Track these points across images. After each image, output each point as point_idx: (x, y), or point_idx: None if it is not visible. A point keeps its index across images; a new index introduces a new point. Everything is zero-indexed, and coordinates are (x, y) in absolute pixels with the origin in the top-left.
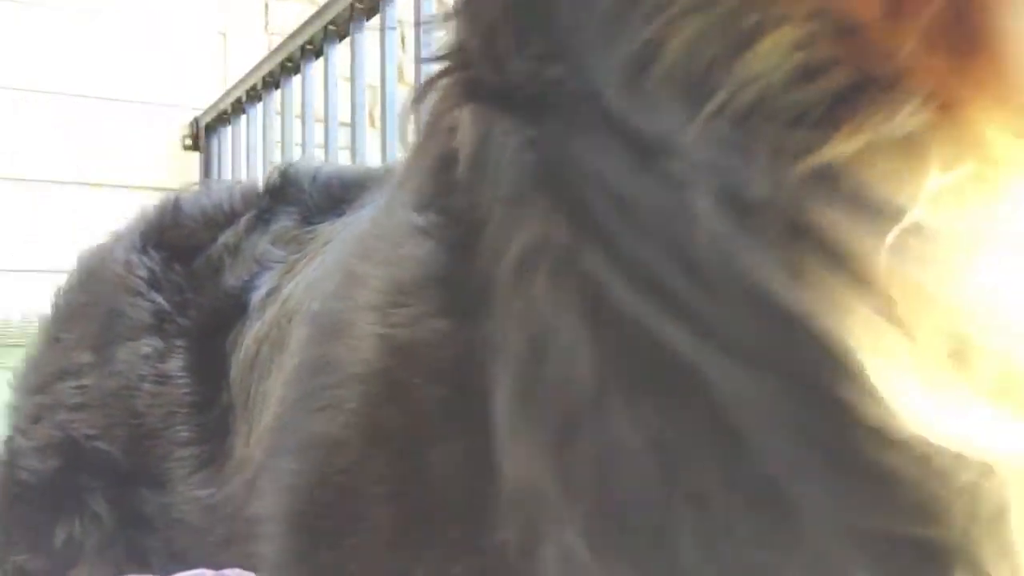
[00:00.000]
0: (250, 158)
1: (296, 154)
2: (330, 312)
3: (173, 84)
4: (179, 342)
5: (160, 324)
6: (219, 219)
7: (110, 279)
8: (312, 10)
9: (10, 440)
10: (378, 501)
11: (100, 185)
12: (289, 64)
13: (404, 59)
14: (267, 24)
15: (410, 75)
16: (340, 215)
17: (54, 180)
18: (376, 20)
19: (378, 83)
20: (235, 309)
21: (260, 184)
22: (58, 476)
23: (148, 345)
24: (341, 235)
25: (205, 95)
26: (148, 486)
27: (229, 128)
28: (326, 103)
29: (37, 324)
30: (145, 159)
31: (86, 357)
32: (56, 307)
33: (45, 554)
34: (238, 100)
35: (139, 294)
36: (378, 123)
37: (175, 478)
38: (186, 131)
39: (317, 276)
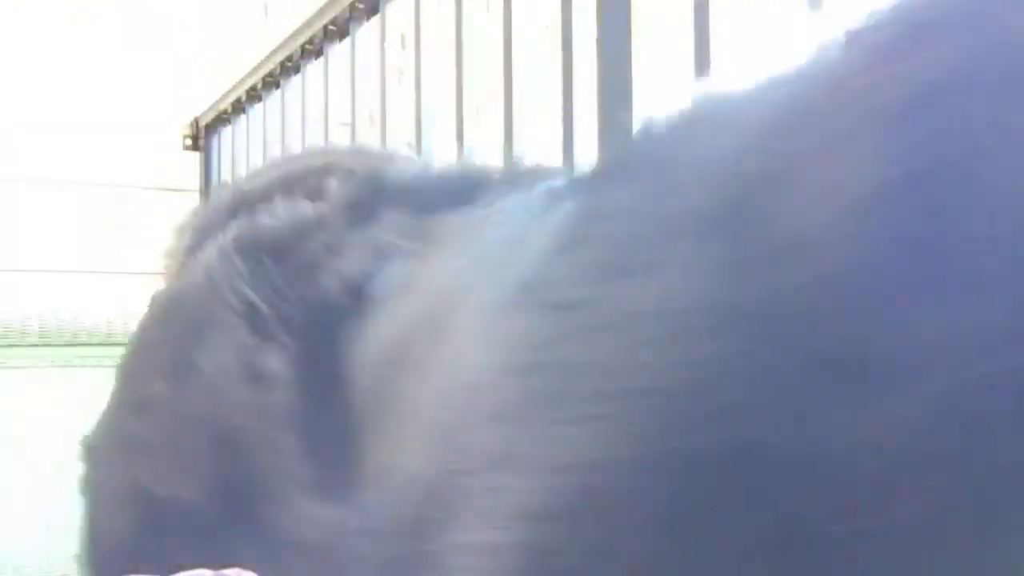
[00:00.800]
0: (250, 158)
1: None
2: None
3: (173, 84)
4: (280, 335)
5: (256, 319)
6: (306, 226)
7: (191, 294)
8: (312, 10)
9: (89, 488)
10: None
11: (100, 185)
12: (289, 64)
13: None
14: (267, 24)
15: (410, 75)
16: (468, 206)
17: (54, 180)
18: (376, 20)
19: (378, 83)
20: (350, 300)
21: (342, 191)
22: (133, 539)
23: (242, 340)
24: (501, 220)
25: (205, 95)
26: (240, 532)
27: (229, 128)
28: (326, 103)
29: (37, 324)
30: (145, 159)
31: (161, 386)
32: (126, 354)
33: None
34: (238, 100)
35: (226, 292)
36: (378, 123)
37: (283, 497)
38: (186, 131)
39: (486, 265)
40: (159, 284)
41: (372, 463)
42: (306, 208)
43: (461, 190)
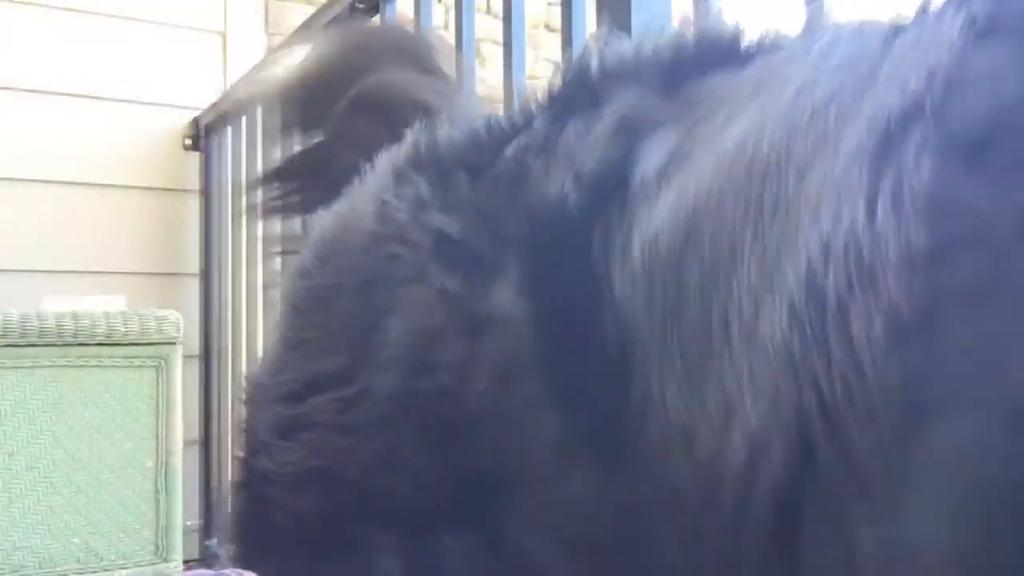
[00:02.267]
0: (250, 158)
1: None
2: None
3: (173, 84)
4: (505, 261)
5: (454, 251)
6: (492, 138)
7: (360, 233)
8: (312, 10)
9: (248, 462)
10: None
11: (100, 185)
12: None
13: None
14: (267, 24)
15: None
16: (730, 68)
17: (54, 180)
18: (376, 20)
19: None
20: (595, 198)
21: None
22: (319, 521)
23: (440, 282)
24: (812, 66)
25: (205, 95)
26: (452, 525)
27: (229, 128)
28: None
29: (37, 324)
30: (145, 159)
31: (342, 359)
32: (288, 301)
33: None
34: (238, 100)
35: (408, 225)
36: None
37: (527, 480)
38: (186, 131)
39: (819, 101)
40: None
41: (655, 397)
42: (485, 125)
43: (713, 55)
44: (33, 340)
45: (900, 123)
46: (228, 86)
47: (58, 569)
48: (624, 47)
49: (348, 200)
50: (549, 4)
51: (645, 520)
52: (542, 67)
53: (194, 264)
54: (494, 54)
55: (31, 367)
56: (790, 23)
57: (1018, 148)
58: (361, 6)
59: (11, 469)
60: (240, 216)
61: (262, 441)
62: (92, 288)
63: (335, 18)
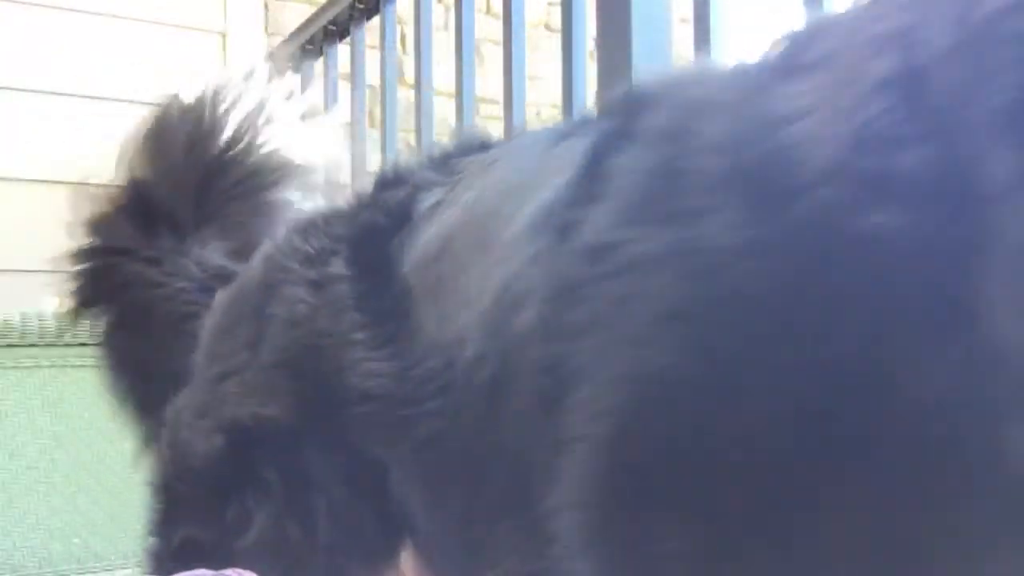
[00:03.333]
0: None
1: None
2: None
3: (173, 84)
4: (339, 247)
5: (309, 259)
6: (340, 214)
7: (253, 281)
8: (312, 10)
9: (173, 435)
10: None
11: (100, 185)
12: (289, 64)
13: (404, 59)
14: (267, 24)
15: (410, 75)
16: (484, 151)
17: (54, 180)
18: (376, 20)
19: (378, 83)
20: (394, 221)
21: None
22: (226, 454)
23: (299, 275)
24: (513, 155)
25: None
26: (315, 442)
27: None
28: (326, 103)
29: (37, 324)
30: None
31: (242, 356)
32: (203, 341)
33: (216, 527)
34: None
35: (285, 261)
36: (378, 123)
37: (353, 361)
38: None
39: (511, 184)
40: None
41: (421, 330)
42: (338, 206)
43: (475, 142)
44: (33, 340)
45: (544, 215)
46: None
47: (58, 569)
48: (423, 156)
49: (244, 271)
50: (549, 4)
51: (416, 381)
52: (542, 67)
53: None
54: (494, 54)
55: (31, 367)
56: (790, 23)
57: (631, 251)
58: (361, 6)
59: (11, 469)
60: None
61: (185, 423)
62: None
63: (335, 18)
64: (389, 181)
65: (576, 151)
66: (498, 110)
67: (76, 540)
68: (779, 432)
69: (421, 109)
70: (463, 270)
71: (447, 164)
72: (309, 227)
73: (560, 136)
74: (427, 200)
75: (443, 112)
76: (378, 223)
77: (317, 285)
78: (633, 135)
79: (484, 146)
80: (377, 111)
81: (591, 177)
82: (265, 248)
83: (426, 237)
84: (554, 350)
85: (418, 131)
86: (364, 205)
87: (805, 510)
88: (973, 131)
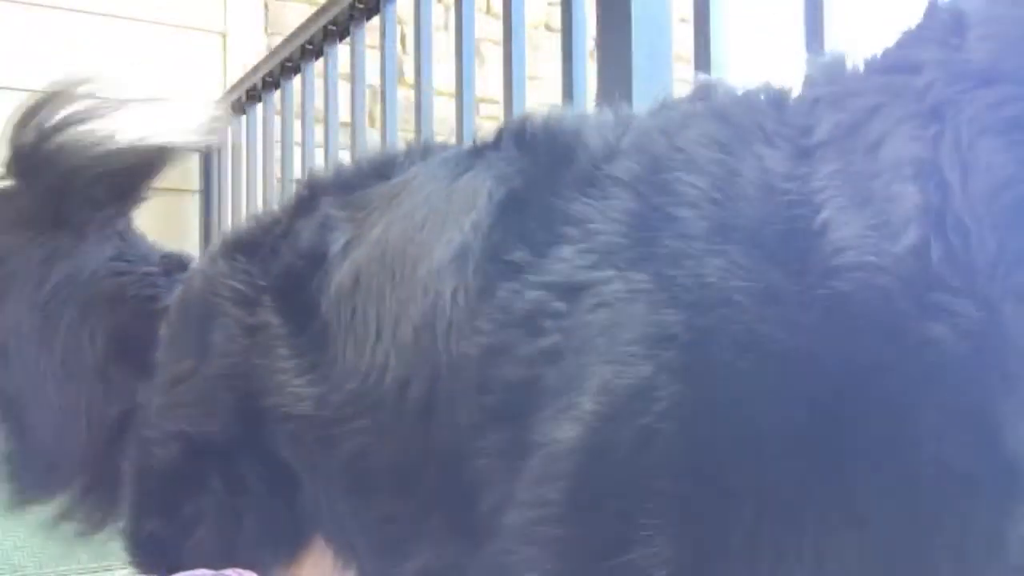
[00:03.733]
0: (250, 158)
1: (296, 154)
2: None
3: (173, 84)
4: (263, 298)
5: (242, 298)
6: (268, 225)
7: (196, 294)
8: (312, 10)
9: (140, 432)
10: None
11: None
12: (289, 64)
13: (404, 59)
14: (267, 24)
15: (410, 75)
16: (386, 178)
17: None
18: (376, 20)
19: (378, 83)
20: (310, 263)
21: (292, 195)
22: (181, 460)
23: (236, 313)
24: (414, 188)
25: (205, 95)
26: (245, 453)
27: (229, 128)
28: (326, 103)
29: None
30: None
31: (189, 363)
32: (162, 341)
33: (175, 522)
34: (238, 100)
35: (219, 288)
36: (378, 123)
37: (279, 385)
38: None
39: (417, 219)
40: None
41: (342, 357)
42: (268, 214)
43: (378, 168)
44: None
45: (462, 253)
46: (228, 86)
47: (58, 569)
48: (336, 169)
49: (188, 283)
50: (549, 4)
51: (336, 405)
52: (542, 67)
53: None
54: (494, 54)
55: None
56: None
57: (610, 289)
58: (361, 6)
59: None
60: (240, 216)
61: (150, 421)
62: None
63: (335, 18)
64: (304, 203)
65: (479, 187)
66: (498, 110)
67: (76, 540)
68: (739, 444)
69: (421, 109)
70: (376, 303)
71: (353, 196)
72: (237, 254)
73: (459, 168)
74: (338, 241)
75: (443, 112)
76: (296, 269)
77: (249, 329)
78: (593, 180)
79: (384, 174)
80: (377, 111)
81: (521, 218)
82: (204, 264)
83: (339, 275)
84: (510, 372)
85: (418, 131)
86: (280, 235)
87: (763, 521)
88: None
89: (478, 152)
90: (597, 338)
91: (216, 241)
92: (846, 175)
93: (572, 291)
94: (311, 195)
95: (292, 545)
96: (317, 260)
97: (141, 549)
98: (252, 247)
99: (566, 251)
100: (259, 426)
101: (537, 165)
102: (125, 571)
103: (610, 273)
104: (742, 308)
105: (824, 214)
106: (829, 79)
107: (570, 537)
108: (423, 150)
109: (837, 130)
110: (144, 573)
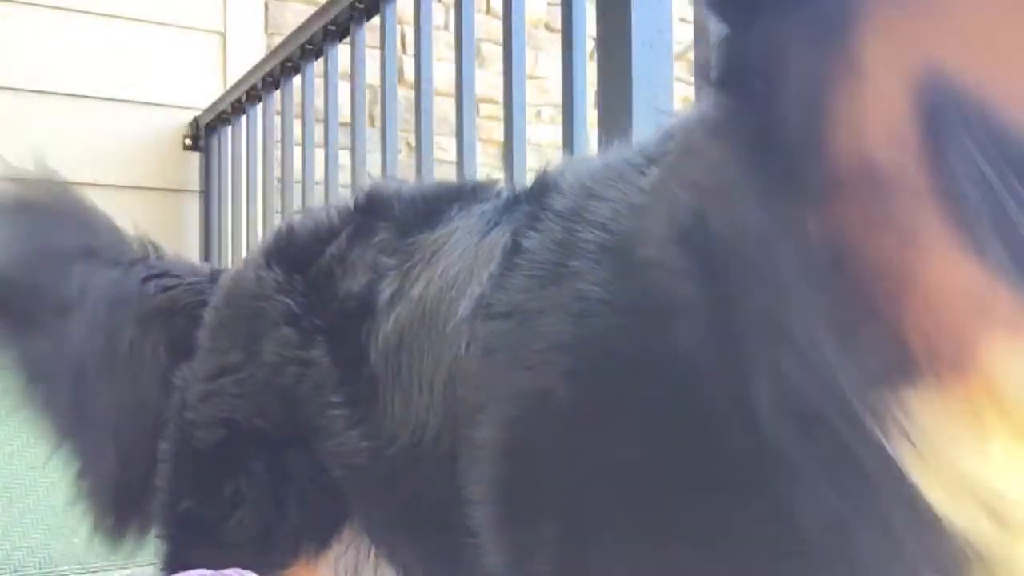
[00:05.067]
0: (250, 158)
1: (296, 154)
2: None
3: (173, 84)
4: (316, 337)
5: (295, 321)
6: (323, 235)
7: (246, 291)
8: (312, 10)
9: (180, 414)
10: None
11: (100, 185)
12: (289, 64)
13: (404, 59)
14: (267, 24)
15: (410, 75)
16: (432, 228)
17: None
18: (376, 20)
19: (378, 83)
20: (362, 310)
21: (350, 203)
22: (224, 444)
23: (291, 336)
24: (452, 244)
25: (205, 95)
26: (295, 447)
27: (229, 128)
28: (326, 103)
29: None
30: (145, 159)
31: (238, 356)
32: (207, 323)
33: (215, 502)
34: (238, 100)
35: (271, 299)
36: (378, 123)
37: (331, 430)
38: (186, 131)
39: (450, 277)
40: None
41: (391, 412)
42: (323, 220)
43: (430, 211)
44: None
45: (476, 306)
46: (228, 86)
47: (58, 569)
48: (390, 194)
49: (241, 265)
50: (549, 4)
51: (390, 458)
52: (542, 67)
53: None
54: (494, 54)
55: None
56: None
57: (530, 305)
58: (361, 6)
59: (11, 469)
60: (240, 216)
61: (191, 404)
62: None
63: (335, 18)
64: (362, 226)
65: (499, 240)
66: (498, 110)
67: (76, 540)
68: (631, 445)
69: (421, 109)
70: (418, 359)
71: (403, 243)
72: (292, 268)
73: (490, 224)
74: (386, 291)
75: (443, 112)
76: (348, 312)
77: (304, 362)
78: (540, 217)
79: (435, 216)
80: (377, 111)
81: (509, 263)
82: (256, 260)
83: (386, 330)
84: (478, 398)
85: (418, 131)
86: (336, 258)
87: (655, 511)
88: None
89: (509, 206)
90: (513, 347)
91: (269, 237)
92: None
93: (507, 314)
94: (370, 215)
95: (330, 538)
96: (368, 308)
97: (176, 525)
98: (305, 261)
99: (516, 281)
100: (309, 443)
101: (537, 211)
102: (125, 571)
103: (531, 293)
104: (602, 319)
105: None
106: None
107: (505, 539)
108: (472, 191)
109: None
110: (175, 548)
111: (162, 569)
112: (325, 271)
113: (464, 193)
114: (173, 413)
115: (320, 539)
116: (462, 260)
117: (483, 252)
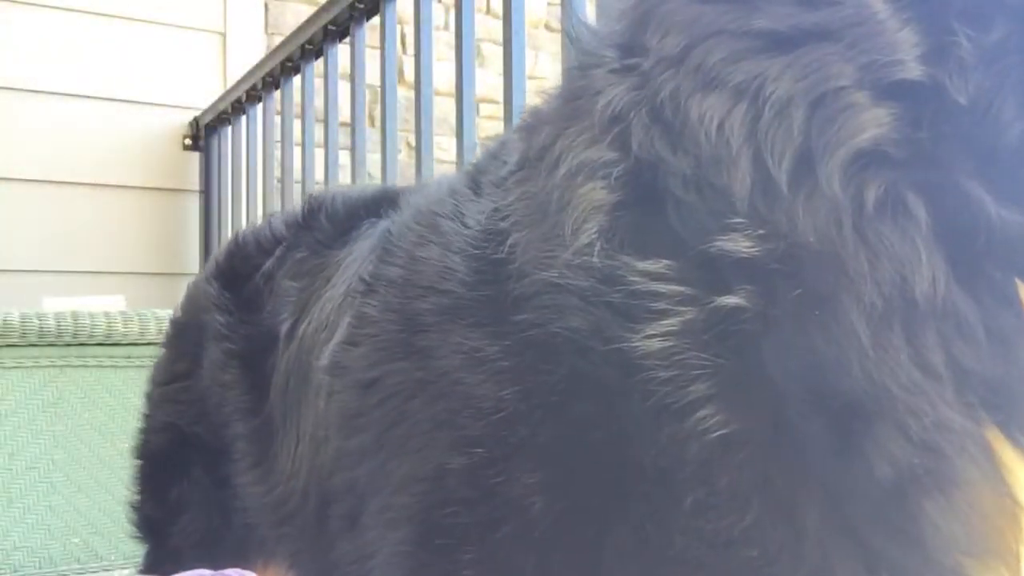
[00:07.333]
0: (250, 158)
1: (296, 154)
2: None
3: (173, 84)
4: (232, 361)
5: (221, 340)
6: (266, 248)
7: (196, 302)
8: (312, 10)
9: (143, 419)
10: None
11: (100, 185)
12: (289, 64)
13: (404, 59)
14: (267, 24)
15: (410, 75)
16: (343, 245)
17: (54, 180)
18: (376, 20)
19: (378, 83)
20: (269, 339)
21: (298, 212)
22: (170, 449)
23: (217, 355)
24: (341, 273)
25: (205, 95)
26: (229, 459)
27: (229, 128)
28: (326, 103)
29: (37, 324)
30: (145, 159)
31: (185, 365)
32: (168, 330)
33: (164, 506)
34: (238, 100)
35: (210, 312)
36: (378, 123)
37: (238, 469)
38: (186, 131)
39: (324, 317)
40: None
41: (280, 453)
42: (266, 233)
43: (348, 226)
44: (33, 340)
45: (330, 360)
46: (228, 86)
47: (58, 569)
48: (325, 202)
49: (199, 278)
50: (549, 4)
51: (276, 511)
52: (542, 67)
53: (194, 264)
54: (494, 54)
55: (31, 367)
56: None
57: (390, 383)
58: (361, 6)
59: (11, 469)
60: (240, 216)
61: (150, 407)
62: (92, 288)
63: (335, 18)
64: (297, 237)
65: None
66: (498, 110)
67: (76, 540)
68: (532, 501)
69: (421, 109)
70: (296, 406)
71: (312, 264)
72: (227, 285)
73: (371, 253)
74: (286, 322)
75: (443, 112)
76: (257, 341)
77: (222, 385)
78: (373, 284)
79: (345, 239)
80: (377, 111)
81: (351, 321)
82: (209, 270)
83: (279, 370)
84: (348, 475)
85: (418, 131)
86: (266, 277)
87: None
88: None
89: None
90: (391, 431)
91: (223, 247)
92: (528, 196)
93: (365, 388)
94: (304, 228)
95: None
96: (273, 339)
97: (138, 527)
98: (242, 277)
99: (360, 351)
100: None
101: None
102: (125, 571)
103: (388, 369)
104: (459, 379)
105: (509, 240)
106: (529, 114)
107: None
108: (392, 200)
109: (522, 159)
110: (145, 549)
111: (140, 570)
112: (255, 289)
113: (384, 201)
114: (142, 415)
115: (268, 550)
116: (338, 297)
117: (351, 290)
